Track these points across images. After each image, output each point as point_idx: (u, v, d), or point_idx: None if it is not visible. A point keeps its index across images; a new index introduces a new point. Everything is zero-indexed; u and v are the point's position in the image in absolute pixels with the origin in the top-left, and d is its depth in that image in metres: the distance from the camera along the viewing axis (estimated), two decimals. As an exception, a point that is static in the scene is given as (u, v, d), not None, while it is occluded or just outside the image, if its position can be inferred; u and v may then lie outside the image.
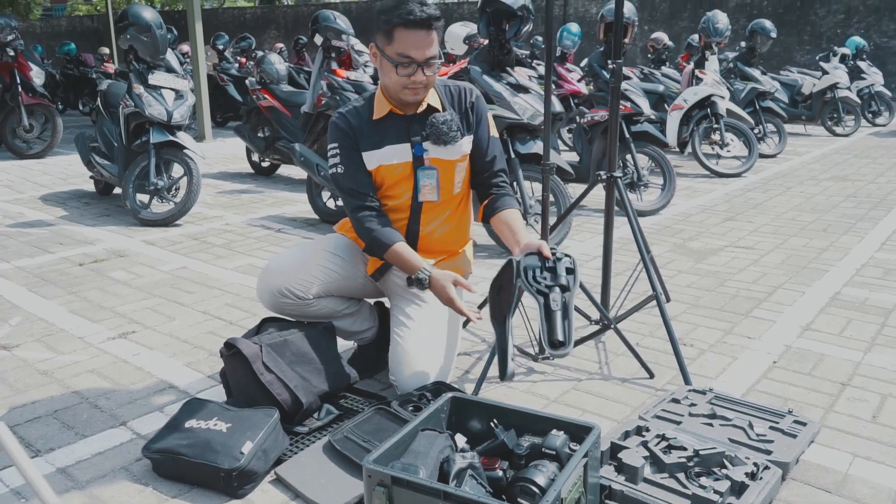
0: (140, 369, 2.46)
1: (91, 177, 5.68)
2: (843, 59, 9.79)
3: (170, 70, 4.86)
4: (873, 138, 9.15)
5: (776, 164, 7.22)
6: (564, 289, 1.86)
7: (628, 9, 4.59)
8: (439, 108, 2.16)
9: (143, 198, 4.80)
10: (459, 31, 6.28)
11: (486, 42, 3.96)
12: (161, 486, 1.77)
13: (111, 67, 12.66)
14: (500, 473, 1.53)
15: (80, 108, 12.90)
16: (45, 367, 2.48)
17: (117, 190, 5.51)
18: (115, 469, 1.85)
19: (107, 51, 13.87)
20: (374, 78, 8.21)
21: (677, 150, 6.83)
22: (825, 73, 9.32)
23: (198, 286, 3.38)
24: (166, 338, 2.74)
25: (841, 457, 1.89)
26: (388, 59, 2.01)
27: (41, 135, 7.93)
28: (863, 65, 10.28)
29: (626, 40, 4.55)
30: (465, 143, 2.19)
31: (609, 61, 2.39)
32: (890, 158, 7.38)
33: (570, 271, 1.91)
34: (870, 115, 10.33)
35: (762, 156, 7.28)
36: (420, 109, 2.14)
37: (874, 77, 10.28)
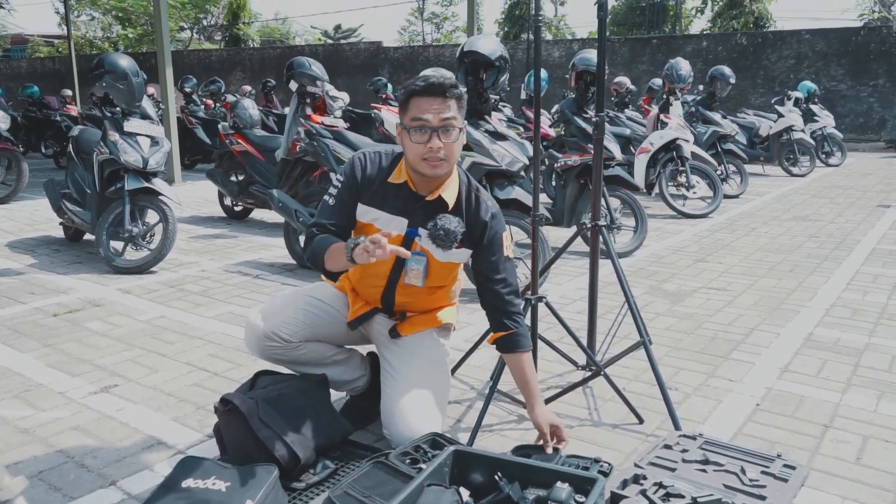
0: (126, 425, 2.41)
1: (61, 223, 5.58)
2: (797, 102, 10.24)
3: (145, 116, 4.84)
4: (828, 178, 9.51)
5: (740, 204, 7.45)
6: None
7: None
8: (451, 204, 2.08)
9: (116, 245, 4.73)
10: (432, 77, 6.40)
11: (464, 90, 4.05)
12: (158, 550, 1.73)
13: (74, 110, 12.52)
14: (508, 528, 1.54)
15: (43, 150, 12.70)
16: (25, 425, 2.41)
17: (88, 236, 5.42)
18: (108, 532, 1.81)
19: (69, 93, 13.71)
20: (346, 119, 8.30)
21: (644, 191, 7.01)
22: (780, 115, 9.72)
23: (178, 336, 3.34)
24: (150, 391, 2.70)
25: (831, 500, 1.94)
26: (404, 128, 2.00)
27: (5, 179, 7.79)
28: (815, 108, 10.78)
29: (594, 88, 4.69)
30: (461, 255, 2.15)
31: (592, 115, 2.48)
32: (846, 198, 7.67)
33: (606, 475, 1.89)
34: (823, 156, 10.77)
35: (725, 196, 7.51)
36: (432, 197, 2.08)
37: (826, 119, 10.78)
